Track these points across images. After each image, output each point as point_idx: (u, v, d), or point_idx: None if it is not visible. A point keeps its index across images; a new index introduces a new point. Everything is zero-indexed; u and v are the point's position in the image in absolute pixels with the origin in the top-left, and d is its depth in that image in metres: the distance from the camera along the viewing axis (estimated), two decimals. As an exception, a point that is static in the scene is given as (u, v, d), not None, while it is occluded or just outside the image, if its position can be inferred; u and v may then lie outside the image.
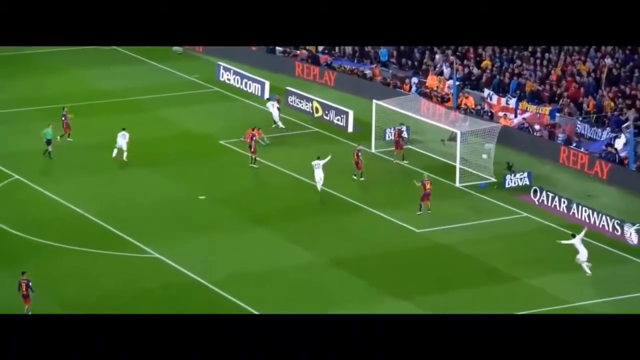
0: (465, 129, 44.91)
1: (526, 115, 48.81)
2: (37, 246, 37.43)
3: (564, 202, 40.93)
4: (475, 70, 52.91)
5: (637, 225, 38.43)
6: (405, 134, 46.19)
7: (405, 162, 45.59)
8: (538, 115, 48.49)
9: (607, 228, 39.30)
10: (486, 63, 53.04)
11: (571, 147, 46.30)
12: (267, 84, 53.86)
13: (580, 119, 47.59)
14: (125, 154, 45.01)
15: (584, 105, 48.25)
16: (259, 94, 53.88)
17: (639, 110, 46.79)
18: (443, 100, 51.62)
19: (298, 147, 45.33)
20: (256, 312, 32.99)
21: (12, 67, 57.93)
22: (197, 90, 55.31)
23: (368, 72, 55.26)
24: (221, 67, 56.34)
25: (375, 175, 44.36)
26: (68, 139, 46.87)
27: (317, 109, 51.10)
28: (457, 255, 37.61)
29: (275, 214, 40.54)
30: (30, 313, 32.18)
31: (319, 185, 42.02)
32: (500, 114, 49.47)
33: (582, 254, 36.11)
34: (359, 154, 43.61)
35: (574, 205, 40.56)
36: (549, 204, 41.37)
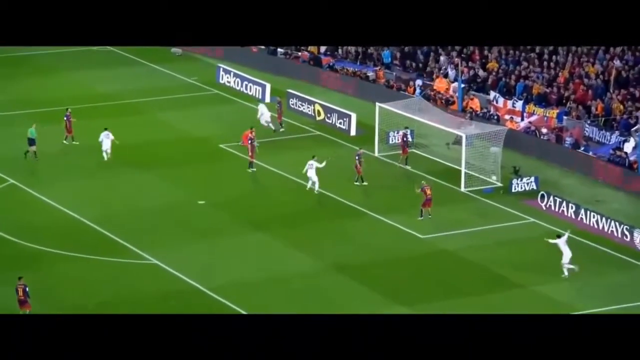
0: (471, 133, 44.97)
1: (533, 118, 48.87)
2: (32, 252, 37.48)
3: (572, 208, 40.97)
4: (481, 73, 52.98)
5: (647, 231, 38.49)
6: (409, 138, 46.24)
7: (407, 166, 45.65)
8: (545, 118, 48.54)
9: (616, 234, 39.33)
10: (492, 65, 53.11)
11: (579, 150, 46.37)
12: (268, 87, 53.95)
13: (589, 122, 47.63)
14: (107, 155, 45.22)
15: (592, 108, 48.29)
16: (260, 97, 53.98)
17: (648, 113, 46.86)
18: (448, 103, 51.68)
19: (300, 151, 45.38)
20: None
21: (8, 69, 58.02)
22: (197, 93, 55.40)
23: (371, 74, 55.35)
24: (221, 69, 56.44)
25: (378, 180, 44.43)
26: (73, 142, 46.90)
27: (319, 112, 51.18)
28: (462, 262, 37.65)
29: (276, 219, 40.60)
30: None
31: (315, 187, 42.21)
32: (507, 117, 49.52)
33: (565, 256, 36.23)
34: (360, 158, 43.62)
35: (582, 211, 40.61)
36: (557, 210, 41.41)
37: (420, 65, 55.32)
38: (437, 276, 36.63)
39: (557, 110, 48.44)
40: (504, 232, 39.96)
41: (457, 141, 45.85)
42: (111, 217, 40.29)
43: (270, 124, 49.10)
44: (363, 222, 40.65)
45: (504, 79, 51.64)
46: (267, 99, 53.47)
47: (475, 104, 50.81)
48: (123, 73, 57.98)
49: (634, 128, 46.13)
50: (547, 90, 50.08)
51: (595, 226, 39.99)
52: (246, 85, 54.88)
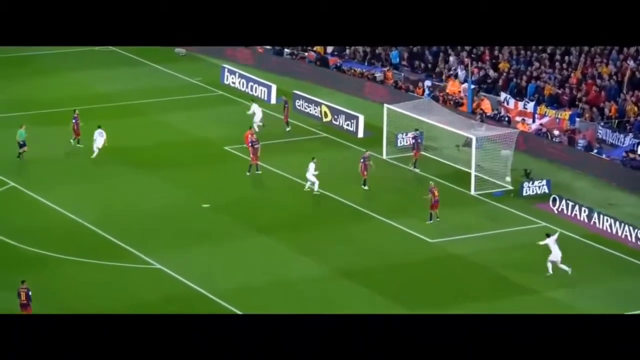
0: (481, 135, 44.94)
1: (545, 120, 48.84)
2: (33, 256, 37.52)
3: (585, 211, 40.92)
4: (492, 73, 52.97)
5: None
6: (419, 140, 46.19)
7: (416, 169, 45.62)
8: (557, 120, 48.50)
9: (629, 238, 39.26)
10: (503, 65, 53.09)
11: (592, 153, 46.33)
12: (274, 88, 54.00)
13: (602, 124, 47.58)
14: (96, 152, 45.56)
15: (606, 110, 48.25)
16: (265, 98, 54.03)
17: (663, 114, 46.82)
18: (457, 104, 51.68)
19: (305, 153, 45.35)
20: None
21: (7, 70, 58.13)
22: (201, 94, 55.46)
23: (379, 75, 55.37)
24: (225, 70, 56.49)
25: (386, 183, 44.43)
26: (77, 145, 47.01)
27: (325, 113, 51.20)
28: (472, 266, 37.60)
29: (281, 223, 40.60)
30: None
31: (315, 187, 42.31)
32: (518, 118, 49.48)
33: (555, 255, 36.36)
34: (365, 161, 43.55)
35: (595, 215, 40.56)
36: (569, 213, 41.36)
37: (429, 65, 55.32)
38: (446, 281, 36.59)
39: (570, 112, 48.38)
40: (515, 236, 39.90)
41: (467, 143, 45.84)
42: (113, 220, 40.33)
43: (260, 123, 49.11)
44: (370, 225, 40.63)
45: (514, 80, 51.62)
46: (273, 100, 53.52)
47: (486, 105, 50.77)
48: (125, 73, 58.06)
49: (649, 130, 46.11)
50: (559, 92, 50.04)
51: (609, 230, 39.93)
52: (251, 86, 54.92)
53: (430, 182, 41.55)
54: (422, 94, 52.32)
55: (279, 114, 50.89)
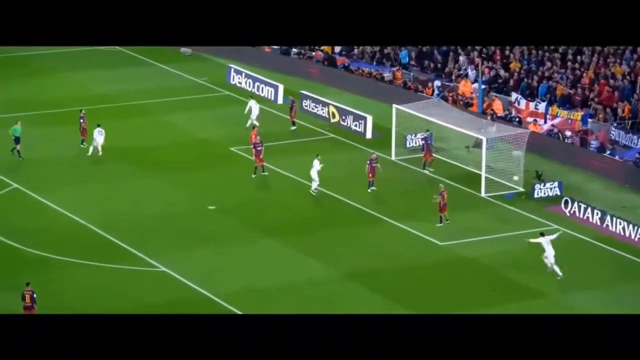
0: (492, 135, 44.84)
1: (556, 120, 48.72)
2: (36, 259, 37.49)
3: (597, 214, 40.79)
4: (502, 73, 52.86)
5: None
6: (429, 141, 46.06)
7: (425, 170, 45.53)
8: (569, 120, 48.37)
9: (643, 241, 39.20)
10: (514, 65, 52.98)
11: (605, 154, 46.19)
12: (281, 88, 53.96)
13: (615, 124, 47.45)
14: (92, 150, 45.78)
15: (619, 110, 48.11)
16: (272, 98, 53.99)
17: (677, 115, 46.67)
18: (467, 104, 51.58)
19: (313, 155, 45.26)
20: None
21: (9, 70, 58.20)
22: (207, 94, 55.45)
23: (387, 75, 55.29)
24: (232, 70, 56.47)
25: (395, 185, 44.35)
26: (83, 145, 47.08)
27: (333, 114, 51.14)
28: (483, 269, 37.49)
29: (287, 225, 40.53)
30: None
31: (313, 186, 42.39)
32: (529, 119, 49.38)
33: (548, 254, 36.49)
34: (372, 163, 43.43)
35: (608, 217, 40.43)
36: (581, 216, 41.24)
37: (439, 65, 55.23)
38: (457, 285, 36.47)
39: (582, 113, 48.25)
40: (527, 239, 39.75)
41: (478, 144, 45.74)
42: (117, 222, 40.31)
43: (254, 121, 49.06)
44: (379, 228, 40.54)
45: (526, 80, 51.50)
46: (280, 101, 53.49)
47: (497, 105, 50.66)
48: (130, 73, 58.07)
49: (662, 131, 45.98)
50: (571, 92, 49.92)
51: (622, 233, 39.80)
52: (258, 86, 54.89)
53: (440, 184, 41.45)
54: (432, 94, 52.22)
55: (286, 114, 50.85)
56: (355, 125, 50.02)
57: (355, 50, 58.23)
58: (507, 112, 50.35)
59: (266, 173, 44.80)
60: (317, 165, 42.81)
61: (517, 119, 49.59)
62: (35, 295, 32.66)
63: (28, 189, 43.31)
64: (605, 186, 44.73)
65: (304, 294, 35.51)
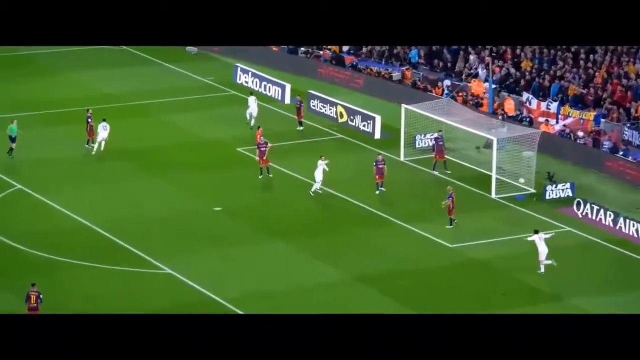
0: (503, 136, 44.82)
1: (569, 121, 48.67)
2: (40, 261, 37.54)
3: (610, 216, 40.76)
4: (513, 71, 52.80)
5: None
6: (440, 142, 45.99)
7: (435, 172, 45.52)
8: (582, 121, 48.33)
9: (657, 244, 39.18)
10: (526, 64, 52.95)
11: (618, 155, 46.15)
12: (288, 87, 54.00)
13: (628, 125, 47.40)
14: (103, 145, 46.09)
15: (632, 110, 48.06)
16: (280, 98, 54.02)
17: (691, 115, 46.61)
18: (477, 104, 51.56)
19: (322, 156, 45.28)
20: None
21: (14, 69, 58.28)
22: (213, 94, 55.49)
23: (396, 74, 55.29)
24: (239, 69, 56.50)
25: (404, 186, 44.34)
26: (88, 145, 47.13)
27: (342, 114, 51.16)
28: (494, 273, 37.47)
29: (295, 227, 40.54)
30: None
31: (314, 187, 42.33)
32: (541, 119, 49.34)
33: (542, 252, 36.69)
34: (379, 165, 43.38)
35: (621, 220, 40.39)
36: (594, 218, 41.21)
37: (449, 65, 55.21)
38: (467, 287, 36.46)
39: (595, 113, 48.20)
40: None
41: (488, 145, 45.72)
42: (123, 224, 40.33)
43: (252, 120, 49.16)
44: (388, 230, 40.55)
45: (537, 80, 51.46)
46: (287, 101, 53.53)
47: (509, 105, 50.61)
48: (135, 73, 58.12)
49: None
50: (584, 92, 49.87)
51: (635, 235, 39.76)
52: (265, 86, 54.93)
53: (449, 187, 41.41)
54: (442, 94, 52.19)
55: (293, 115, 50.88)
56: (364, 126, 50.03)
57: (364, 49, 58.23)
58: (518, 113, 50.31)
59: (271, 175, 44.73)
60: (321, 166, 42.77)
61: (529, 120, 49.55)
62: (42, 296, 32.75)
63: (32, 190, 43.37)
64: (618, 188, 44.69)
65: (313, 298, 35.51)
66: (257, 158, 44.75)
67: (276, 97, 54.11)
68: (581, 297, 35.74)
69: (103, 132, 46.32)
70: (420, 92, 52.75)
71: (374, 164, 43.52)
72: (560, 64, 52.04)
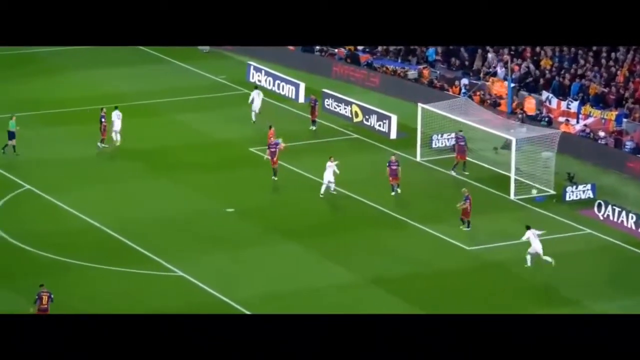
0: (522, 136, 44.54)
1: (589, 120, 48.37)
2: (47, 262, 37.50)
3: (632, 218, 40.43)
4: (532, 68, 52.49)
5: None
6: (461, 142, 45.66)
7: (452, 172, 45.24)
8: (603, 120, 48.03)
9: (680, 246, 38.83)
10: (546, 62, 52.64)
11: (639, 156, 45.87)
12: (302, 86, 53.81)
13: (650, 125, 47.13)
14: (116, 136, 46.47)
15: (655, 110, 47.76)
16: (293, 97, 53.85)
17: None
18: (496, 104, 51.27)
19: (336, 156, 45.09)
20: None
21: (24, 68, 58.33)
22: (225, 93, 55.38)
23: (412, 72, 55.03)
24: (251, 68, 56.36)
25: (420, 187, 44.11)
26: (98, 144, 47.07)
27: (356, 113, 50.95)
28: (512, 276, 37.23)
29: (308, 228, 40.39)
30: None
31: (323, 188, 42.19)
32: (561, 119, 49.06)
33: (534, 248, 36.76)
34: (392, 165, 43.14)
35: (643, 221, 40.11)
36: (615, 220, 40.88)
37: (466, 63, 54.93)
38: (483, 291, 36.23)
39: (616, 112, 47.92)
40: (557, 244, 39.39)
41: (507, 145, 45.43)
42: (132, 225, 40.25)
43: (253, 114, 49.11)
44: (403, 232, 40.34)
45: (557, 78, 51.14)
46: (301, 99, 53.35)
47: (530, 104, 50.29)
48: (147, 71, 58.10)
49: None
50: (605, 91, 49.55)
51: (658, 238, 39.47)
52: (279, 85, 54.75)
53: (464, 189, 41.10)
54: (459, 93, 51.92)
55: (306, 114, 50.70)
56: (379, 125, 49.80)
57: (379, 47, 58.02)
58: (538, 112, 50.01)
59: (276, 178, 44.36)
60: (330, 167, 42.47)
61: (548, 119, 49.25)
62: (52, 296, 32.75)
63: (40, 190, 43.29)
64: (640, 189, 44.41)
65: (325, 299, 35.34)
66: (269, 158, 44.53)
67: (290, 96, 53.93)
68: (600, 302, 35.41)
69: (117, 121, 46.33)
70: (436, 91, 52.51)
71: (387, 164, 43.27)
72: (581, 62, 51.72)
